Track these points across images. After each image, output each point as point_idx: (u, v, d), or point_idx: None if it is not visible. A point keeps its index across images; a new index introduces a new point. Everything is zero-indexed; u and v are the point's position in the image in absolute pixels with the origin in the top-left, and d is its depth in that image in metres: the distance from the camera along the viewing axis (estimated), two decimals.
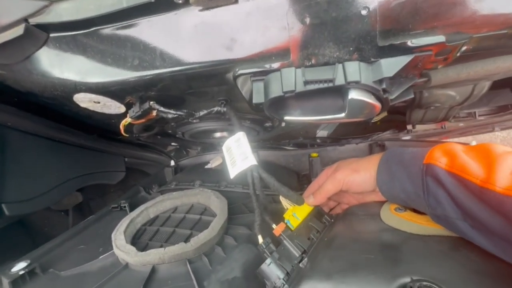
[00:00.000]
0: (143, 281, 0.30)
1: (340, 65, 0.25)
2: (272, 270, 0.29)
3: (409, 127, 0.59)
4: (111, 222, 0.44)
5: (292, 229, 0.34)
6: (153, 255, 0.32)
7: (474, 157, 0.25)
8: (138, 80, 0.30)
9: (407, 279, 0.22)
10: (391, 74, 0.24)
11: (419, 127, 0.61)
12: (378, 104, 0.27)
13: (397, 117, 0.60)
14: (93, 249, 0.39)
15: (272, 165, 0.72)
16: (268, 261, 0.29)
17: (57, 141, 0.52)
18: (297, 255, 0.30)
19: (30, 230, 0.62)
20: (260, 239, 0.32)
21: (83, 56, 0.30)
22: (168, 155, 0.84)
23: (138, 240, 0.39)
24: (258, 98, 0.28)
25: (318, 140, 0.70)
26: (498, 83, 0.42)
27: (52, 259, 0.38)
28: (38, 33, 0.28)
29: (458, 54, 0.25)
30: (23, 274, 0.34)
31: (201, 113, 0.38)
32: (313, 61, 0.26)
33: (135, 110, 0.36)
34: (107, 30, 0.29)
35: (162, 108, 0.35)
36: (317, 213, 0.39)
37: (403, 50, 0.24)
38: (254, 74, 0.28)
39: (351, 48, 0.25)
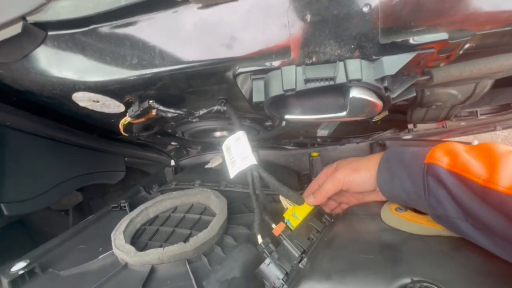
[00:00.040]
0: (142, 281, 0.30)
1: (341, 63, 0.25)
2: (271, 270, 0.28)
3: (410, 126, 0.59)
4: (111, 222, 0.44)
5: (292, 229, 0.34)
6: (152, 255, 0.32)
7: (476, 156, 0.25)
8: (137, 79, 0.30)
9: (407, 280, 0.22)
10: (393, 72, 0.24)
11: (420, 126, 0.61)
12: (379, 103, 0.27)
13: (398, 116, 0.60)
14: (92, 248, 0.39)
15: (272, 165, 0.72)
16: (267, 261, 0.29)
17: (57, 140, 0.52)
18: (297, 255, 0.30)
19: (30, 230, 0.62)
20: (260, 239, 0.32)
21: (82, 55, 0.30)
22: (168, 154, 0.84)
23: (138, 240, 0.39)
24: (258, 97, 0.28)
25: (318, 140, 0.70)
26: (500, 82, 0.42)
27: (51, 259, 0.38)
28: (36, 32, 0.28)
29: (461, 52, 0.25)
30: (22, 274, 0.34)
31: (201, 112, 0.38)
32: (314, 59, 0.25)
33: (135, 109, 0.36)
34: (106, 28, 0.28)
35: (161, 107, 0.35)
36: (317, 213, 0.39)
37: (405, 47, 0.24)
38: (254, 72, 0.27)
39: (352, 46, 0.24)
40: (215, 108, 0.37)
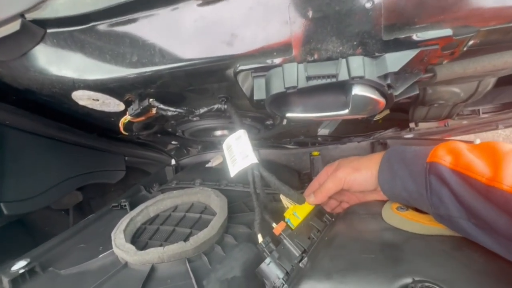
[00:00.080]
0: (142, 280, 0.30)
1: (344, 60, 0.24)
2: (271, 269, 0.28)
3: (411, 125, 0.59)
4: (111, 221, 0.44)
5: (293, 228, 0.34)
6: (153, 254, 0.31)
7: (480, 155, 0.25)
8: (137, 77, 0.30)
9: (408, 280, 0.22)
10: (396, 69, 0.24)
11: (422, 125, 0.61)
12: (382, 100, 0.26)
13: (399, 115, 0.60)
14: (93, 248, 0.39)
15: (273, 164, 0.71)
16: (267, 260, 0.29)
17: (57, 139, 0.52)
18: (297, 254, 0.30)
19: (31, 229, 0.62)
20: (260, 238, 0.31)
21: (81, 53, 0.30)
22: (168, 154, 0.84)
23: (138, 239, 0.39)
24: (259, 95, 0.28)
25: (319, 139, 0.70)
26: (503, 80, 0.41)
27: (52, 258, 0.38)
28: (35, 29, 0.28)
29: (465, 49, 0.25)
30: (23, 273, 0.34)
31: (201, 111, 0.38)
32: (315, 56, 0.25)
33: (135, 107, 0.35)
34: (105, 25, 0.28)
35: (161, 106, 0.35)
36: (318, 212, 0.39)
37: (409, 44, 0.23)
38: (255, 70, 0.27)
39: (354, 43, 0.24)
40: (216, 106, 0.36)
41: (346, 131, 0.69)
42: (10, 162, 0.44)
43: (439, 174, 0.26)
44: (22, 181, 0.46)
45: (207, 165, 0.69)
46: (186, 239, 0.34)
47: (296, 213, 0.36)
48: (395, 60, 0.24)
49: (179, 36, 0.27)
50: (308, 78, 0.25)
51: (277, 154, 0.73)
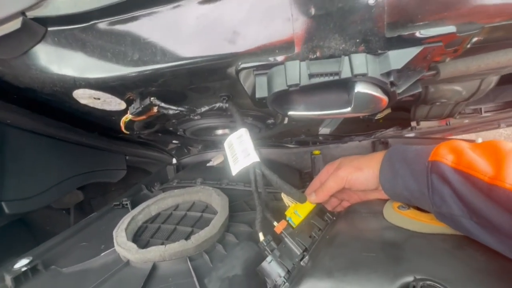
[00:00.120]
0: (144, 278, 0.30)
1: (346, 58, 0.24)
2: (272, 267, 0.28)
3: (413, 123, 0.58)
4: (113, 220, 0.44)
5: (294, 226, 0.34)
6: (154, 252, 0.31)
7: (482, 154, 0.25)
8: (139, 75, 0.30)
9: (410, 278, 0.22)
10: (399, 66, 0.24)
11: (424, 124, 0.60)
12: (385, 98, 0.26)
13: (400, 114, 0.59)
14: (94, 246, 0.39)
15: (274, 163, 0.71)
16: (269, 258, 0.29)
17: (58, 139, 0.52)
18: (298, 253, 0.30)
19: (32, 228, 0.62)
20: (261, 236, 0.31)
21: (82, 51, 0.29)
22: (169, 153, 0.84)
23: (140, 238, 0.39)
24: (261, 93, 0.28)
25: (320, 138, 0.70)
26: (505, 78, 0.41)
27: (54, 256, 0.38)
28: (36, 27, 0.28)
29: (469, 46, 0.25)
30: (25, 271, 0.34)
31: (203, 109, 0.38)
32: (318, 54, 0.25)
33: (136, 106, 0.35)
34: (106, 23, 0.28)
35: (163, 104, 0.35)
36: (319, 211, 0.39)
37: (412, 41, 0.23)
38: (257, 67, 0.27)
39: (357, 40, 0.24)
40: (217, 105, 0.36)
41: (347, 130, 0.69)
42: (11, 161, 0.44)
43: (440, 172, 0.26)
44: (23, 180, 0.46)
45: (208, 164, 0.69)
46: (187, 237, 0.34)
47: (297, 211, 0.36)
48: (398, 58, 0.24)
49: (180, 34, 0.27)
50: (311, 76, 0.25)
51: (278, 153, 0.73)
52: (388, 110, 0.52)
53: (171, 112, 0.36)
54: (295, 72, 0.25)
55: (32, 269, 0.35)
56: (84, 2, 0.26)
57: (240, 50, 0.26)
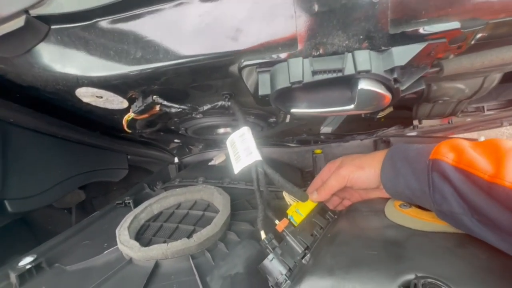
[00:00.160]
0: (147, 275, 0.30)
1: (350, 54, 0.24)
2: (274, 265, 0.28)
3: (415, 122, 0.58)
4: (115, 218, 0.44)
5: (295, 225, 0.34)
6: (156, 251, 0.32)
7: (482, 152, 0.25)
8: (141, 74, 0.30)
9: (411, 276, 0.22)
10: (403, 63, 0.23)
11: (426, 123, 0.60)
12: (388, 95, 0.26)
13: (402, 113, 0.59)
14: (98, 244, 0.39)
15: (275, 162, 0.71)
16: (270, 256, 0.29)
17: (60, 138, 0.52)
18: (300, 251, 0.30)
19: (33, 227, 0.62)
20: (263, 234, 0.31)
21: (85, 49, 0.30)
22: (171, 152, 0.84)
23: (142, 236, 0.39)
24: (264, 90, 0.27)
25: (322, 137, 0.70)
26: (508, 76, 0.41)
27: (58, 254, 0.39)
28: (39, 25, 0.28)
29: (473, 42, 0.24)
30: (29, 268, 0.34)
31: (205, 108, 0.38)
32: (321, 51, 0.25)
33: (138, 104, 0.35)
34: (109, 21, 0.28)
35: (165, 102, 0.35)
36: (321, 209, 0.38)
37: (416, 37, 0.23)
38: (260, 65, 0.27)
39: (361, 37, 0.24)
40: (219, 103, 0.36)
41: (349, 129, 0.68)
42: (13, 160, 0.45)
43: (441, 171, 0.26)
44: (25, 179, 0.47)
45: (210, 163, 0.69)
46: (189, 236, 0.34)
47: (299, 210, 0.36)
48: (402, 54, 0.24)
49: (183, 32, 0.27)
50: (314, 73, 0.25)
51: (280, 152, 0.73)
52: (390, 109, 0.51)
53: (173, 110, 0.36)
54: (298, 69, 0.25)
55: (36, 267, 0.35)
56: (86, 0, 0.26)
57: (243, 47, 0.26)
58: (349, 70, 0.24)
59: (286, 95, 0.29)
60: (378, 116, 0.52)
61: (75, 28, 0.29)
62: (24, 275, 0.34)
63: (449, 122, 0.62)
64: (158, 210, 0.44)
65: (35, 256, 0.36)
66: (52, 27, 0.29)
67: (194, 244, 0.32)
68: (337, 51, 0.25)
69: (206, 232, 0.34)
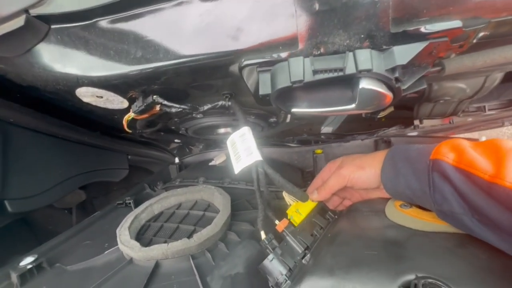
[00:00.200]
0: (147, 275, 0.30)
1: (351, 53, 0.24)
2: (274, 265, 0.28)
3: (416, 122, 0.58)
4: (116, 218, 0.44)
5: (296, 225, 0.33)
6: (157, 251, 0.32)
7: (482, 153, 0.25)
8: (141, 73, 0.30)
9: (411, 276, 0.22)
10: (404, 62, 0.23)
11: (426, 122, 0.60)
12: (389, 94, 0.26)
13: (403, 113, 0.59)
14: (98, 244, 0.39)
15: (276, 162, 0.71)
16: (270, 256, 0.29)
17: (60, 138, 0.52)
18: (300, 251, 0.30)
19: (34, 228, 0.62)
20: (263, 234, 0.31)
21: (85, 49, 0.29)
22: (171, 152, 0.84)
23: (143, 236, 0.39)
24: (264, 90, 0.27)
25: (322, 137, 0.69)
26: (510, 75, 0.41)
27: (58, 254, 0.39)
28: (39, 25, 0.28)
29: (475, 41, 0.24)
30: (30, 268, 0.34)
31: (205, 108, 0.38)
32: (322, 50, 0.25)
33: (138, 104, 0.35)
34: (109, 21, 0.28)
35: (165, 102, 0.35)
36: (321, 209, 0.38)
37: (417, 36, 0.23)
38: (260, 64, 0.27)
39: (362, 36, 0.24)
40: (220, 103, 0.36)
41: (349, 129, 0.68)
42: (13, 160, 0.45)
43: (442, 171, 0.26)
44: (25, 179, 0.47)
45: (210, 163, 0.69)
46: (190, 236, 0.34)
47: (299, 210, 0.36)
48: (403, 53, 0.23)
49: (183, 31, 0.27)
50: (315, 72, 0.25)
51: (280, 153, 0.73)
52: (391, 109, 0.51)
53: (173, 110, 0.36)
54: (299, 69, 0.25)
55: (37, 267, 0.35)
56: None
57: (243, 47, 0.26)
58: (350, 69, 0.24)
59: (287, 95, 0.28)
60: (378, 116, 0.52)
61: (75, 27, 0.29)
62: (25, 275, 0.34)
63: (450, 122, 0.62)
64: (159, 210, 0.44)
65: (36, 256, 0.36)
66: (52, 26, 0.29)
67: (195, 244, 0.32)
68: (338, 50, 0.25)
69: (206, 232, 0.34)
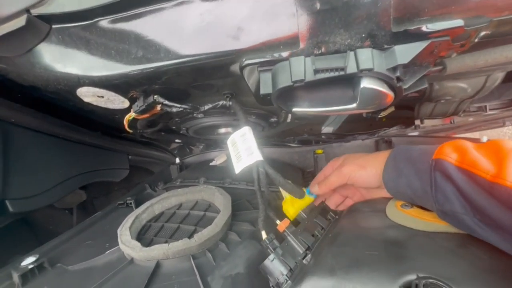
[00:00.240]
0: (148, 275, 0.30)
1: (352, 53, 0.24)
2: (275, 266, 0.28)
3: (417, 122, 0.58)
4: (117, 219, 0.44)
5: (289, 216, 0.34)
6: (158, 251, 0.32)
7: (485, 153, 0.25)
8: (142, 73, 0.30)
9: (412, 276, 0.22)
10: (405, 61, 0.23)
11: (427, 122, 0.60)
12: (391, 94, 0.26)
13: (404, 112, 0.59)
14: (99, 244, 0.39)
15: (276, 162, 0.71)
16: (271, 256, 0.29)
17: (61, 138, 0.52)
18: (301, 251, 0.30)
19: (34, 228, 0.62)
20: (264, 234, 0.31)
21: (86, 49, 0.29)
22: (172, 153, 0.84)
23: (143, 236, 0.39)
24: (265, 89, 0.27)
25: (323, 137, 0.69)
26: (511, 75, 0.41)
27: (60, 254, 0.39)
28: (40, 25, 0.28)
29: (476, 40, 0.24)
30: (32, 268, 0.34)
31: (206, 107, 0.38)
32: (323, 49, 0.25)
33: (139, 104, 0.35)
34: (110, 21, 0.28)
35: (166, 102, 0.35)
36: (322, 209, 0.38)
37: (419, 36, 0.23)
38: (261, 64, 0.27)
39: (363, 35, 0.24)
40: (221, 103, 0.36)
41: (350, 129, 0.68)
42: (14, 160, 0.45)
43: (444, 170, 0.26)
44: (26, 179, 0.47)
45: (211, 164, 0.69)
46: (190, 236, 0.34)
47: (293, 203, 0.36)
48: (405, 52, 0.23)
49: (184, 31, 0.27)
50: (316, 72, 0.25)
51: (281, 153, 0.73)
52: (392, 109, 0.51)
53: (174, 110, 0.36)
54: (300, 68, 0.25)
55: (39, 267, 0.35)
56: None
57: (244, 46, 0.26)
58: (351, 68, 0.24)
59: (288, 94, 0.28)
60: (379, 116, 0.52)
61: (76, 27, 0.29)
62: (27, 275, 0.34)
63: (451, 122, 0.62)
64: (160, 210, 0.44)
65: (37, 256, 0.36)
66: (53, 26, 0.29)
67: (195, 244, 0.32)
68: (339, 50, 0.25)
69: (207, 232, 0.34)
